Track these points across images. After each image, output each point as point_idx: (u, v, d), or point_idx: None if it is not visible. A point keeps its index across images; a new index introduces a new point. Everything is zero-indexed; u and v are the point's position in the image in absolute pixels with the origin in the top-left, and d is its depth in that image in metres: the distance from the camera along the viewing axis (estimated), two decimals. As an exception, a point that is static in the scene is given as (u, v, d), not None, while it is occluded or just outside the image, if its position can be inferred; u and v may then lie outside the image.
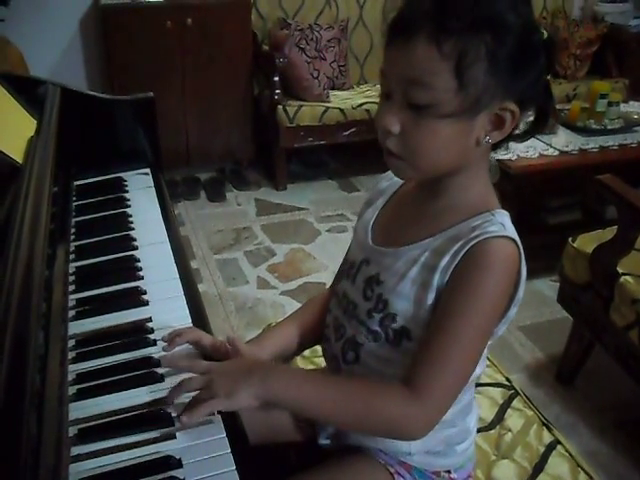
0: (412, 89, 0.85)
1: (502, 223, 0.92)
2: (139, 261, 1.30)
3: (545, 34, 0.89)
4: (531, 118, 0.95)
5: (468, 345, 0.90)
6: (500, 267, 0.89)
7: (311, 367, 1.44)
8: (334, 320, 1.10)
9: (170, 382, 0.98)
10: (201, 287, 2.75)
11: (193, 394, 0.92)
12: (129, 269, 1.28)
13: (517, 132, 0.94)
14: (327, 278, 2.84)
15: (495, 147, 0.95)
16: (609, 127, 2.99)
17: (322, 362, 1.36)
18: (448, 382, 0.90)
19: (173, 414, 0.93)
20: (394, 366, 0.97)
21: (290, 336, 1.14)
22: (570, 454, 1.28)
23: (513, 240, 0.91)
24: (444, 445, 1.06)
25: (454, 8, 0.83)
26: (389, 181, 1.10)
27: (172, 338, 1.04)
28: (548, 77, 0.93)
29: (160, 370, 1.01)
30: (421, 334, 0.94)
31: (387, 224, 1.05)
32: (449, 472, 1.09)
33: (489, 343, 0.98)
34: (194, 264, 2.94)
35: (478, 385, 1.35)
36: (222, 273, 2.94)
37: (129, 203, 1.54)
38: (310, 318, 1.17)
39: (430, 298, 0.93)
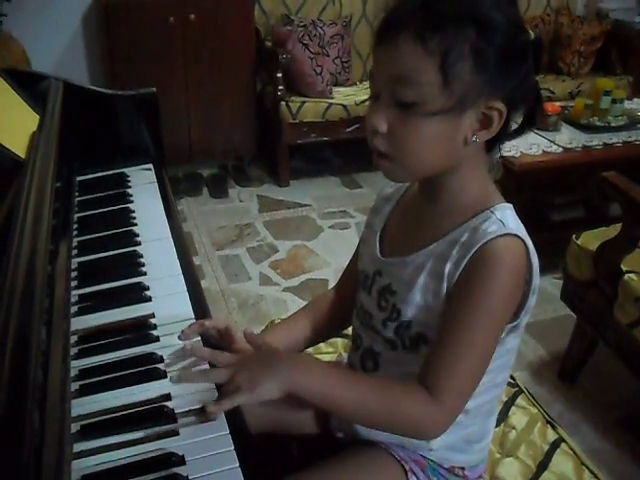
0: (398, 87, 0.86)
1: (501, 219, 0.91)
2: (142, 257, 1.30)
3: (532, 34, 0.89)
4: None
5: (479, 347, 0.91)
6: (504, 269, 0.89)
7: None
8: (353, 330, 1.12)
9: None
10: (203, 283, 2.74)
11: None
12: (132, 265, 1.27)
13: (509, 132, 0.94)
14: (330, 275, 2.84)
15: (489, 148, 0.94)
16: (613, 124, 2.98)
17: (324, 358, 1.36)
18: (462, 384, 0.92)
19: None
20: (413, 370, 0.96)
21: (302, 329, 1.15)
22: (574, 452, 1.27)
23: (515, 235, 0.90)
24: (463, 441, 1.06)
25: (439, 6, 0.84)
26: (393, 187, 1.10)
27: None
28: (536, 77, 0.93)
29: (163, 366, 1.01)
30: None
31: (394, 233, 1.06)
32: (463, 469, 1.09)
33: (517, 341, 0.99)
34: (197, 260, 2.94)
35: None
36: (224, 269, 2.94)
37: (132, 199, 1.53)
38: (319, 315, 1.18)
39: (442, 305, 0.93)
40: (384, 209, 1.09)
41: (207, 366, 0.99)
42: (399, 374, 1.00)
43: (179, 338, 1.04)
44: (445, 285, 0.93)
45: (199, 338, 1.06)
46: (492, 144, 0.94)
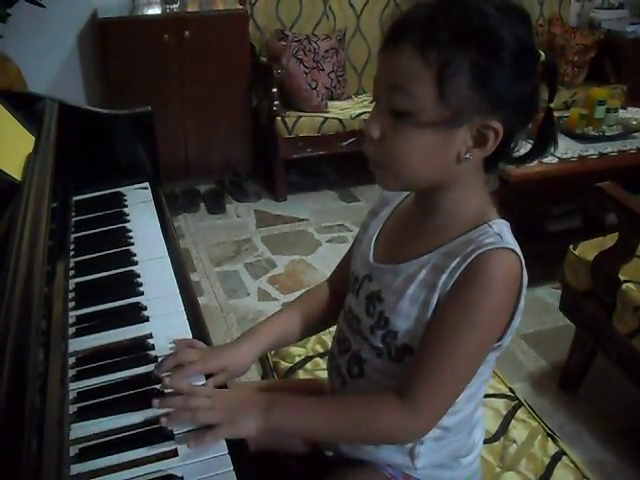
0: (394, 95, 0.86)
1: (499, 234, 0.91)
2: (139, 276, 1.30)
3: (542, 55, 0.88)
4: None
5: (462, 360, 0.91)
6: (499, 281, 0.89)
7: (312, 377, 1.44)
8: (339, 332, 1.11)
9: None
10: (202, 300, 2.74)
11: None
12: (129, 285, 1.27)
13: (517, 155, 0.94)
14: (328, 289, 2.83)
15: (488, 167, 0.93)
16: (608, 134, 2.99)
17: (323, 374, 1.36)
18: (440, 395, 0.92)
19: (164, 423, 0.92)
20: (396, 379, 0.97)
21: (281, 330, 1.15)
22: (575, 465, 1.27)
23: (512, 250, 0.90)
24: (450, 458, 1.06)
25: (445, 19, 0.83)
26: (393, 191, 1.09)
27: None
28: (551, 104, 0.92)
29: (161, 388, 1.01)
30: None
31: (389, 239, 1.05)
32: (454, 485, 1.08)
33: (497, 355, 0.98)
34: (195, 277, 2.94)
35: (481, 396, 1.34)
36: (223, 285, 2.94)
37: (128, 218, 1.53)
38: (312, 308, 1.19)
39: (430, 316, 0.93)
40: (382, 212, 1.08)
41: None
42: (383, 384, 1.00)
43: (152, 373, 1.02)
44: (437, 295, 0.91)
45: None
46: (491, 164, 0.93)
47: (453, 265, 0.90)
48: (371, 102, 0.94)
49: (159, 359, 1.06)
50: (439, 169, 0.90)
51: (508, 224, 0.95)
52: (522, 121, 0.90)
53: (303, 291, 1.25)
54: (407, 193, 1.07)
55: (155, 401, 0.94)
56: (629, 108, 3.37)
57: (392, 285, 0.98)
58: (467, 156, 0.88)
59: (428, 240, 0.96)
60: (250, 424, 0.91)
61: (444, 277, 0.91)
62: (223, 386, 1.03)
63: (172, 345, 1.09)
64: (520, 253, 0.91)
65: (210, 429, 0.90)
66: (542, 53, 0.88)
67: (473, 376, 0.94)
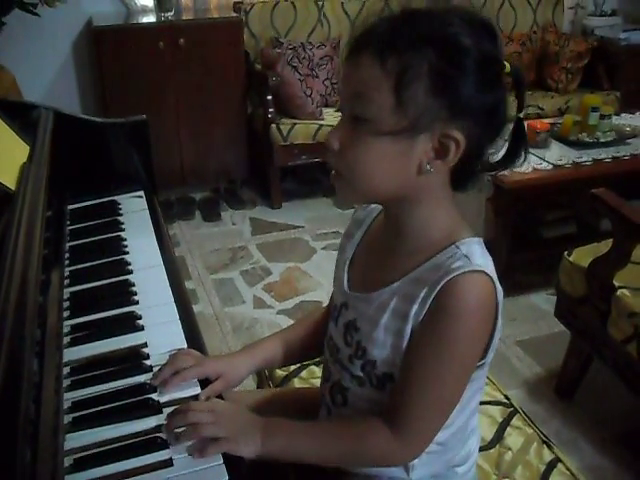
0: (353, 102, 0.86)
1: (467, 255, 0.89)
2: (134, 285, 1.29)
3: (507, 67, 0.87)
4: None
5: (445, 387, 0.91)
6: (471, 307, 0.87)
7: (307, 386, 1.43)
8: (324, 361, 1.11)
9: (167, 410, 0.98)
10: (197, 308, 2.74)
11: None
12: (124, 294, 1.27)
13: (494, 162, 0.93)
14: (323, 296, 2.83)
15: (456, 184, 0.92)
16: (602, 140, 3.00)
17: (319, 382, 1.35)
18: (427, 422, 0.93)
19: (166, 438, 0.92)
20: (381, 407, 0.97)
21: (272, 351, 1.15)
22: (571, 472, 1.26)
23: (482, 272, 0.88)
24: (445, 468, 1.05)
25: (406, 27, 0.84)
26: (364, 210, 1.08)
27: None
28: (521, 114, 0.91)
29: (157, 397, 1.00)
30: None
31: (362, 264, 1.04)
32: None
33: (484, 371, 0.98)
34: (190, 284, 2.93)
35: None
36: (218, 293, 2.93)
37: (123, 227, 1.53)
38: (293, 336, 1.19)
39: (405, 345, 0.92)
40: (355, 235, 1.07)
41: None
42: (367, 411, 0.99)
43: (148, 382, 1.03)
44: (409, 326, 0.90)
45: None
46: (460, 181, 0.92)
47: (422, 295, 0.89)
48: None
49: (154, 368, 1.06)
50: (399, 180, 0.88)
51: (480, 240, 0.93)
52: (488, 134, 0.88)
53: (298, 298, 1.25)
54: (377, 212, 1.05)
55: (169, 440, 0.93)
56: (622, 114, 3.39)
57: (366, 314, 0.97)
58: (428, 167, 0.86)
59: (397, 266, 0.94)
60: (249, 446, 0.92)
61: (415, 307, 0.90)
62: (219, 396, 1.03)
63: (168, 357, 1.09)
64: (491, 271, 0.89)
65: (213, 441, 0.90)
66: (507, 64, 0.87)
67: (459, 398, 0.94)
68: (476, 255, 0.90)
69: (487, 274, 0.88)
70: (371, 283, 0.97)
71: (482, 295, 0.88)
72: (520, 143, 0.92)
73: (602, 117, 3.03)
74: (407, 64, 0.82)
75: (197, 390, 1.02)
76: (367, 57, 0.84)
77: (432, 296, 0.88)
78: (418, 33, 0.83)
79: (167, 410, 0.97)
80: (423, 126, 0.84)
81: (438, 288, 0.87)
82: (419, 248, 0.93)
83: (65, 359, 1.10)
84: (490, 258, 0.92)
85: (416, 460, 1.00)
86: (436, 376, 0.89)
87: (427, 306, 0.88)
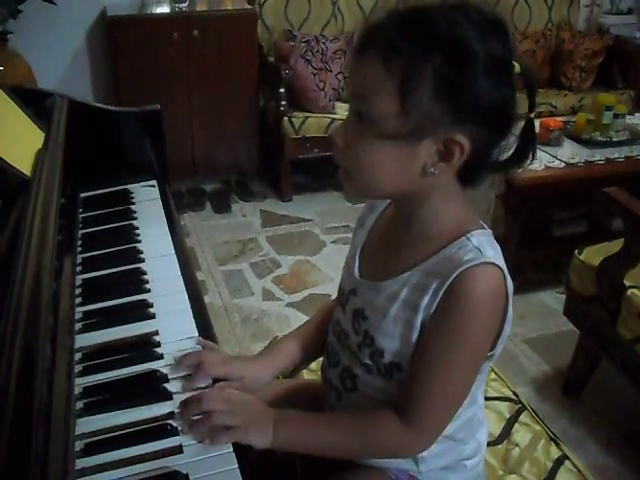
0: (359, 103, 0.85)
1: (478, 247, 0.89)
2: (146, 274, 1.30)
3: (517, 67, 0.85)
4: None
5: (457, 379, 0.92)
6: (482, 299, 0.87)
7: (316, 378, 1.44)
8: (329, 345, 1.11)
9: (177, 397, 0.99)
10: (206, 299, 2.74)
11: None
12: (136, 282, 1.27)
13: (502, 161, 0.91)
14: (333, 290, 2.82)
15: (465, 180, 0.91)
16: (615, 139, 2.99)
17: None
18: (439, 413, 0.94)
19: (178, 426, 0.93)
20: (389, 395, 0.98)
21: (293, 353, 1.15)
22: (578, 469, 1.27)
23: (493, 264, 0.88)
24: (455, 461, 1.06)
25: (411, 28, 0.82)
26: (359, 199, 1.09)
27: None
28: (532, 115, 0.90)
29: (167, 384, 1.01)
30: (409, 366, 0.95)
31: (373, 252, 1.04)
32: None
33: (490, 364, 0.99)
34: (200, 275, 2.94)
35: (485, 399, 1.34)
36: (227, 284, 2.94)
37: (135, 215, 1.54)
38: (309, 334, 1.19)
39: (415, 336, 0.92)
40: (367, 221, 1.07)
41: None
42: (376, 398, 1.00)
43: (171, 366, 1.05)
44: (420, 317, 0.91)
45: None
46: (467, 178, 0.91)
47: (434, 286, 0.89)
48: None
49: (165, 356, 1.07)
50: (403, 181, 0.88)
51: (490, 233, 0.93)
52: (494, 135, 0.87)
53: (307, 291, 1.24)
54: (388, 201, 1.05)
55: (182, 427, 0.94)
56: (636, 114, 3.37)
57: (374, 303, 0.97)
58: (432, 170, 0.86)
59: (408, 256, 0.94)
60: (261, 436, 0.93)
61: (427, 299, 0.90)
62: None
63: (189, 343, 1.10)
64: (502, 263, 0.89)
65: (225, 430, 0.91)
66: (517, 64, 0.85)
67: (469, 389, 0.95)
68: (486, 247, 0.90)
69: (498, 266, 0.89)
70: (380, 271, 0.98)
71: (493, 287, 0.88)
72: (529, 143, 0.91)
73: (616, 116, 3.02)
74: (411, 69, 0.80)
75: (208, 381, 1.02)
76: (371, 57, 0.83)
77: (444, 288, 0.88)
78: (423, 35, 0.81)
79: (177, 397, 0.98)
80: (426, 131, 0.83)
81: (450, 280, 0.87)
82: (429, 239, 0.93)
83: (77, 345, 1.10)
84: (499, 249, 0.92)
85: (426, 452, 1.00)
86: (447, 367, 0.90)
87: (439, 298, 0.89)
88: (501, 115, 0.85)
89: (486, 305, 0.88)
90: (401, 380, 0.96)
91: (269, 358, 1.13)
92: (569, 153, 2.88)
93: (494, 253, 0.90)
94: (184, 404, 0.95)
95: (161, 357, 1.07)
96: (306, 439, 0.97)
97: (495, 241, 0.93)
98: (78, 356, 1.08)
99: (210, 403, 0.94)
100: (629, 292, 1.88)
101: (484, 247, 0.89)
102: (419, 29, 0.82)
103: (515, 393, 1.45)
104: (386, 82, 0.82)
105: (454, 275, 0.87)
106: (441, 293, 0.88)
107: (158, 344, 1.10)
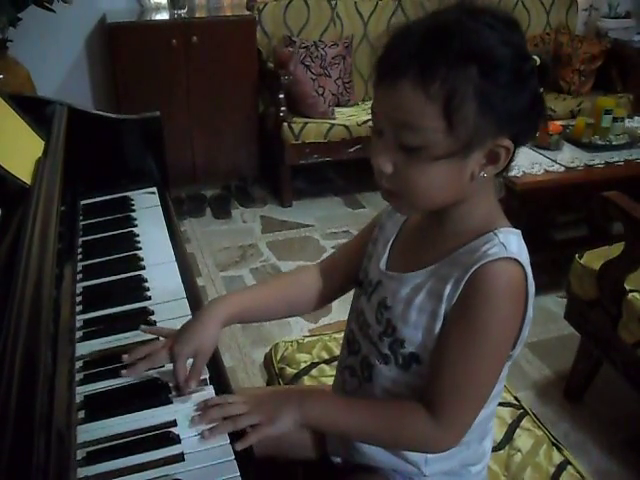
0: (402, 132, 0.84)
1: (504, 243, 0.90)
2: (146, 281, 1.30)
3: (537, 60, 0.87)
4: None
5: (483, 374, 0.92)
6: (501, 293, 0.88)
7: (317, 384, 1.44)
8: (350, 333, 1.12)
9: (178, 403, 0.99)
10: (207, 304, 2.74)
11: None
12: (136, 289, 1.27)
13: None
14: (333, 295, 2.83)
15: (498, 174, 0.93)
16: (614, 143, 2.99)
17: (329, 381, 1.36)
18: (466, 409, 0.94)
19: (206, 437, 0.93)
20: (402, 386, 0.99)
21: (272, 301, 1.15)
22: (580, 474, 1.26)
23: (515, 260, 0.89)
24: (459, 466, 1.06)
25: (438, 48, 0.81)
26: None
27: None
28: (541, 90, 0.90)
29: (168, 392, 1.01)
30: (430, 358, 0.95)
31: (402, 246, 1.05)
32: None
33: (508, 364, 0.98)
34: (200, 281, 2.94)
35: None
36: (228, 290, 2.94)
37: (136, 222, 1.54)
38: (295, 292, 1.17)
39: (438, 327, 0.93)
40: (397, 214, 1.07)
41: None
42: (387, 388, 1.01)
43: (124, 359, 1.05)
44: (444, 307, 0.91)
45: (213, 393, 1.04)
46: (504, 169, 0.93)
47: (456, 275, 0.90)
48: (372, 131, 0.92)
49: (165, 365, 1.06)
50: (455, 191, 0.90)
51: (519, 232, 0.94)
52: (534, 127, 0.90)
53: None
54: None
55: (203, 433, 0.94)
56: (636, 117, 3.37)
57: (398, 294, 0.98)
58: (482, 174, 0.88)
59: (435, 250, 0.96)
60: (288, 420, 0.95)
61: (449, 288, 0.91)
62: (226, 390, 1.04)
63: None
64: (525, 262, 0.90)
65: (252, 429, 0.93)
66: (536, 58, 0.87)
67: (494, 384, 0.95)
68: (512, 244, 0.91)
69: (520, 264, 0.89)
70: (406, 265, 0.99)
71: (512, 282, 0.89)
72: (539, 115, 0.91)
73: (615, 120, 3.02)
74: (452, 88, 0.80)
75: (211, 391, 1.02)
76: (407, 84, 0.82)
77: (465, 278, 0.89)
78: (454, 53, 0.81)
79: (178, 403, 0.98)
80: (476, 144, 0.85)
81: (471, 271, 0.88)
82: (459, 233, 0.94)
83: (78, 353, 1.11)
84: (525, 249, 0.93)
85: (431, 455, 1.00)
86: (469, 359, 0.90)
87: (460, 288, 0.90)
88: (535, 108, 0.87)
89: (505, 299, 0.89)
90: (417, 373, 0.96)
91: (216, 310, 1.06)
92: (569, 157, 2.88)
93: (518, 251, 0.91)
94: (205, 410, 0.96)
95: (162, 365, 1.07)
96: (336, 416, 0.98)
97: (523, 240, 0.94)
98: (79, 364, 1.08)
99: (231, 408, 0.95)
100: (630, 296, 1.88)
101: (510, 243, 0.91)
102: (447, 47, 0.81)
103: (517, 398, 1.44)
104: (429, 106, 0.81)
105: (476, 267, 0.88)
106: (463, 283, 0.89)
107: (159, 351, 1.10)
